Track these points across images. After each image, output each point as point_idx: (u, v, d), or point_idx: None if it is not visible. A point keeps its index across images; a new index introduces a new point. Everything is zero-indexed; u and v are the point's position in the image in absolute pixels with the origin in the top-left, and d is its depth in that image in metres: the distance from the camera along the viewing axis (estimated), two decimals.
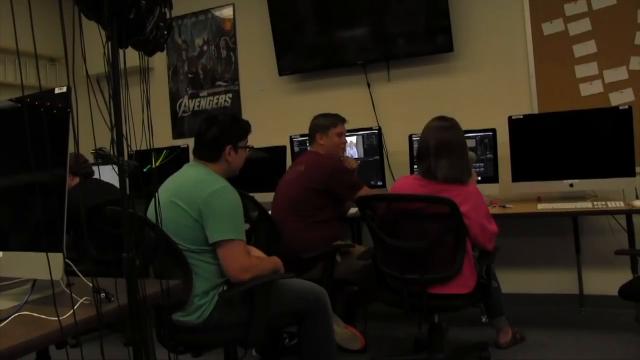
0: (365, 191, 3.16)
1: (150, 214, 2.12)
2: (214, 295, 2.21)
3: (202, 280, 2.18)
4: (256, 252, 2.50)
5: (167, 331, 2.25)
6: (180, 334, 2.25)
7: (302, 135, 4.12)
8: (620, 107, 3.33)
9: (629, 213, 3.15)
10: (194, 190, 2.22)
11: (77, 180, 3.56)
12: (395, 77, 4.28)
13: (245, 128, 2.48)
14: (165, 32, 1.51)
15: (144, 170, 1.38)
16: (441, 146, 2.59)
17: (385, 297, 2.76)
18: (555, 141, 3.47)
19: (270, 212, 3.18)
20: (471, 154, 2.90)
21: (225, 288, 2.24)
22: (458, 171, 2.58)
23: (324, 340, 2.45)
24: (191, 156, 3.21)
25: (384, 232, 2.64)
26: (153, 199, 1.94)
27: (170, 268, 2.14)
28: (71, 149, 1.46)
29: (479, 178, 3.55)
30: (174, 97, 5.18)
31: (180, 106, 5.15)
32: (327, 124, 3.35)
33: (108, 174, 2.36)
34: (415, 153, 3.74)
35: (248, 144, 2.49)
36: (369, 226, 2.73)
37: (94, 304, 1.38)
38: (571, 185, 3.41)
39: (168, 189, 2.30)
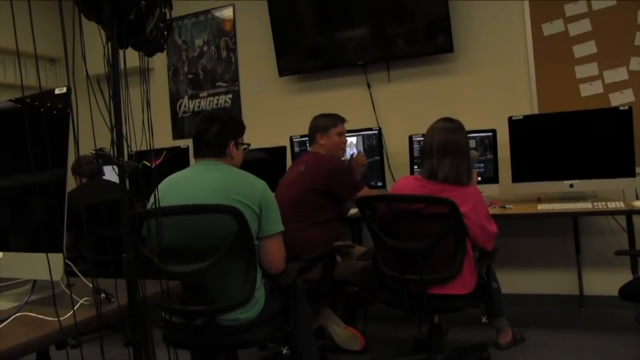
0: (365, 192, 3.16)
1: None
2: (262, 287, 2.26)
3: (258, 273, 2.23)
4: None
5: (215, 335, 2.20)
6: (226, 337, 2.21)
7: (302, 136, 4.12)
8: (621, 108, 3.33)
9: (629, 213, 3.15)
10: (246, 186, 2.27)
11: (84, 180, 3.61)
12: (395, 77, 4.28)
13: (242, 125, 2.54)
14: (165, 33, 1.51)
15: (139, 165, 1.37)
16: (445, 147, 2.60)
17: (386, 297, 2.76)
18: (556, 142, 3.47)
19: None
20: (474, 152, 2.91)
21: (264, 280, 2.31)
22: (459, 173, 2.58)
23: (309, 320, 2.57)
24: (191, 158, 3.20)
25: (384, 232, 2.64)
26: (154, 199, 1.95)
27: (232, 266, 2.16)
28: (71, 149, 1.46)
29: (479, 178, 3.55)
30: (174, 98, 5.18)
31: (180, 107, 5.16)
32: (327, 124, 3.36)
33: (108, 174, 2.34)
34: (418, 152, 3.77)
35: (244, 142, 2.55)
36: (369, 227, 2.73)
37: (94, 305, 1.38)
38: (571, 185, 3.41)
39: (204, 186, 2.26)
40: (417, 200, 2.57)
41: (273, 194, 2.34)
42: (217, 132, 2.38)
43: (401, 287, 2.62)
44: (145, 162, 3.57)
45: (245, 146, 2.52)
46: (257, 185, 2.28)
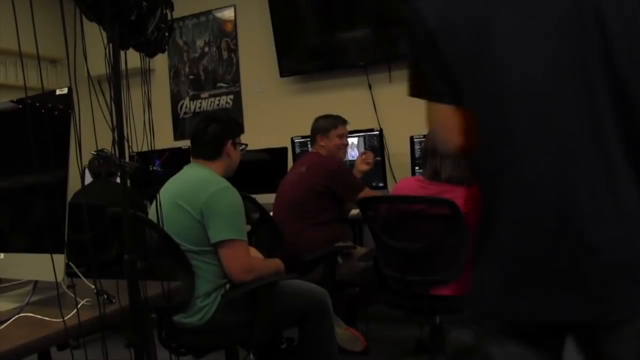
0: (366, 192, 3.16)
1: (152, 215, 2.14)
2: (216, 297, 2.22)
3: (204, 281, 2.19)
4: (255, 253, 2.49)
5: (168, 332, 2.26)
6: (182, 336, 2.27)
7: (303, 137, 4.12)
8: None
9: None
10: (195, 192, 2.24)
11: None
12: (396, 78, 4.27)
13: (240, 125, 2.58)
14: (167, 34, 1.51)
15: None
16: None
17: (387, 298, 2.76)
18: None
19: (271, 214, 3.18)
20: None
21: (227, 289, 2.25)
22: (463, 172, 2.58)
23: (325, 341, 2.47)
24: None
25: (386, 233, 2.63)
26: (155, 201, 1.96)
27: (173, 269, 2.16)
28: (73, 150, 1.46)
29: None
30: (175, 99, 5.18)
31: (181, 107, 5.16)
32: (328, 125, 3.35)
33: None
34: (420, 154, 3.77)
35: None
36: (370, 228, 2.72)
37: (95, 306, 1.38)
38: None
39: (170, 190, 2.32)
40: (419, 201, 2.57)
41: (232, 201, 2.25)
42: (215, 132, 2.38)
43: (403, 288, 2.61)
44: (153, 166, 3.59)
45: (242, 146, 2.52)
46: (206, 192, 2.22)
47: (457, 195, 2.49)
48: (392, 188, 4.09)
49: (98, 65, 1.41)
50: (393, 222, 2.64)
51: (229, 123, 2.49)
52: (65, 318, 1.29)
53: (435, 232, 2.48)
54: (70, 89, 1.50)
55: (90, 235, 2.98)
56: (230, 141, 2.41)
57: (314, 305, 2.44)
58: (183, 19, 5.05)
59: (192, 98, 5.10)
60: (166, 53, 4.83)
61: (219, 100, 4.97)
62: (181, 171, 2.46)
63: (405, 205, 2.60)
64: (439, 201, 2.48)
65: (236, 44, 4.88)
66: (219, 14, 4.94)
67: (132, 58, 1.44)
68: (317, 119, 3.42)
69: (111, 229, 2.80)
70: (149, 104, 1.50)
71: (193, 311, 2.19)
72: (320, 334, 2.45)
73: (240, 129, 2.53)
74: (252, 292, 2.24)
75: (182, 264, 2.14)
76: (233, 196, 2.26)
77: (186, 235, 2.19)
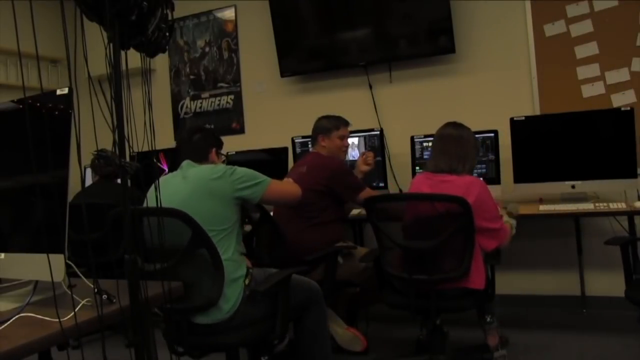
0: (367, 192, 3.15)
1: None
2: (240, 291, 2.28)
3: (228, 272, 2.24)
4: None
5: (182, 333, 2.27)
6: (201, 337, 2.28)
7: (303, 137, 4.12)
8: (622, 109, 3.33)
9: (630, 214, 3.14)
10: (217, 176, 2.35)
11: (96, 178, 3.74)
12: (397, 78, 4.27)
13: (221, 141, 2.72)
14: (167, 34, 1.51)
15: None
16: (440, 141, 2.68)
17: (390, 299, 2.74)
18: (557, 142, 3.46)
19: (272, 214, 3.18)
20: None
21: (247, 282, 2.31)
22: (453, 162, 2.59)
23: (321, 330, 2.57)
24: None
25: (394, 233, 2.62)
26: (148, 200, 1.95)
27: (199, 267, 2.20)
28: (73, 150, 1.46)
29: (481, 179, 3.54)
30: (176, 99, 5.18)
31: (182, 107, 5.16)
32: (330, 126, 3.35)
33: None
34: (422, 153, 3.79)
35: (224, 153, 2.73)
36: (375, 227, 2.70)
37: (95, 306, 1.38)
38: (573, 186, 3.40)
39: (182, 187, 2.36)
40: (426, 199, 2.55)
41: (243, 168, 2.43)
42: (200, 139, 2.57)
43: (409, 288, 2.60)
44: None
45: (223, 157, 2.68)
46: (225, 172, 2.35)
47: (456, 184, 2.51)
48: (392, 188, 4.10)
49: (98, 65, 1.42)
50: (410, 222, 2.63)
51: (212, 134, 2.67)
52: (65, 318, 1.29)
53: (444, 229, 2.47)
54: (70, 89, 1.50)
55: (105, 235, 2.99)
56: (214, 149, 2.59)
57: (311, 296, 2.52)
58: (184, 19, 5.05)
59: (193, 98, 5.10)
60: (167, 53, 4.83)
61: (219, 100, 4.98)
62: (181, 171, 2.48)
63: (416, 204, 2.60)
64: (447, 198, 2.47)
65: (237, 44, 4.88)
66: (219, 14, 4.94)
67: (133, 58, 1.44)
68: (320, 119, 3.42)
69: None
70: (150, 104, 1.50)
71: (218, 306, 2.22)
72: (317, 323, 2.54)
73: (221, 142, 2.69)
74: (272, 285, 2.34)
75: (212, 256, 2.18)
76: (240, 167, 2.44)
77: (213, 218, 2.25)
